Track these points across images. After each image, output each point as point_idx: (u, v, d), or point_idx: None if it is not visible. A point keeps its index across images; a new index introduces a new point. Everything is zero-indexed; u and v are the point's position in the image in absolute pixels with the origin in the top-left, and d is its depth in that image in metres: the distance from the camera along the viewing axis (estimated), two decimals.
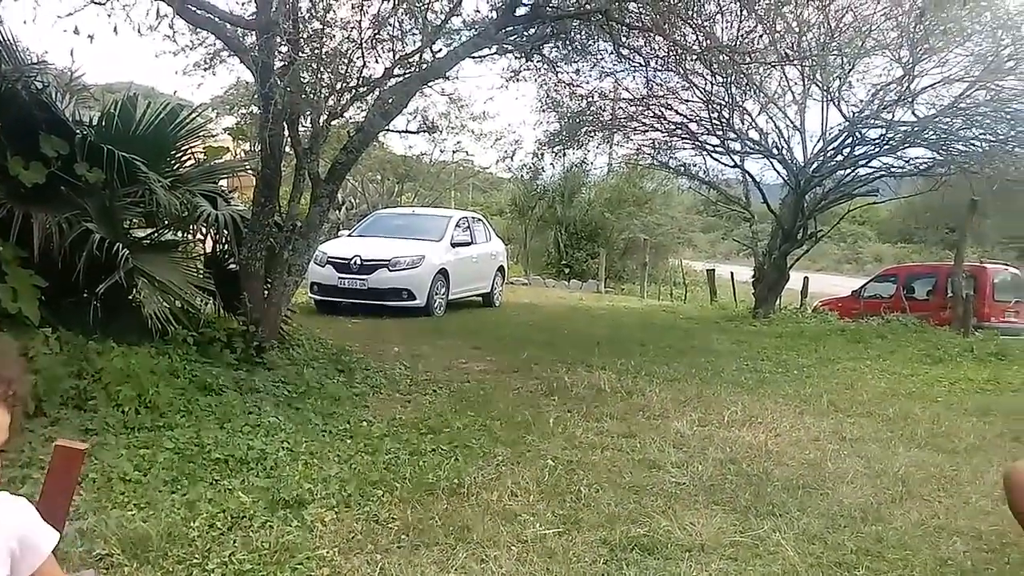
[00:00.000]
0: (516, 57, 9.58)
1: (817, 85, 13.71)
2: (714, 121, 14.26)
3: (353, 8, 7.07)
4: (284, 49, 6.27)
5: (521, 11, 7.89)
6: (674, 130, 15.16)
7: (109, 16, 6.27)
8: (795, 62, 11.63)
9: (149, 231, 6.35)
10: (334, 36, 6.91)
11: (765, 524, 3.63)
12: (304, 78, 6.45)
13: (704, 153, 15.77)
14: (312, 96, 6.57)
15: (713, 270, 21.42)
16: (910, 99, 12.92)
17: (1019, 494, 2.16)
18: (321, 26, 6.67)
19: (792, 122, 14.63)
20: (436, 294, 12.00)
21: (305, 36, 6.41)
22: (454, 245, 12.94)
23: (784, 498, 4.03)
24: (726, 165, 15.88)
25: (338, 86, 6.95)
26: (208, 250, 6.90)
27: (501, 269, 14.82)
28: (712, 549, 3.33)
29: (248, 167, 7.71)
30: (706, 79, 12.50)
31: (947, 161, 13.80)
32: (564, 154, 17.15)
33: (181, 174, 6.44)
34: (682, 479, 4.29)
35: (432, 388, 6.45)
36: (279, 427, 4.72)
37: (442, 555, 3.15)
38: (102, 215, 5.39)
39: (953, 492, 4.28)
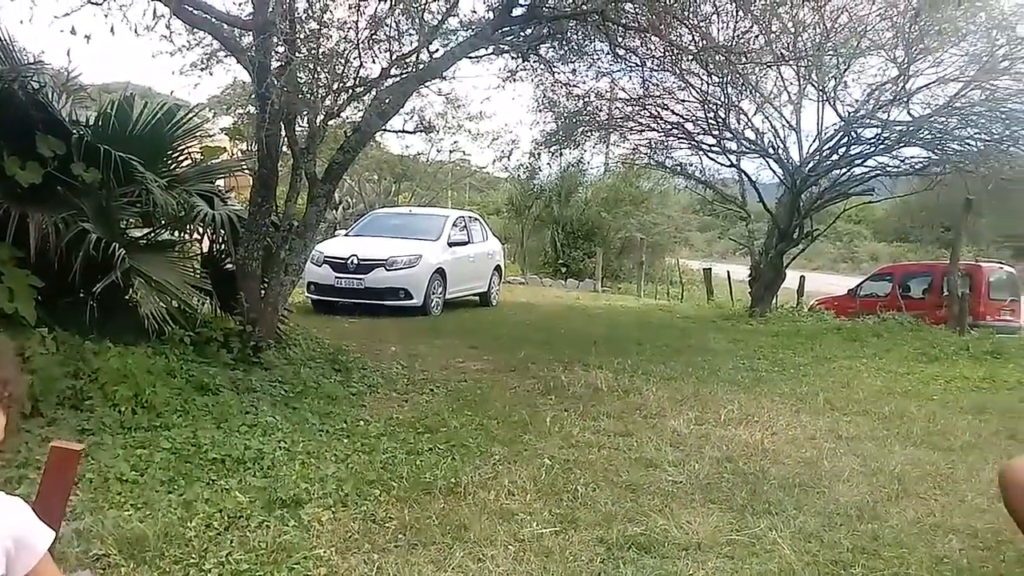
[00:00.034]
0: (512, 57, 9.59)
1: (813, 85, 13.75)
2: (710, 121, 14.29)
3: (350, 8, 7.08)
4: (281, 49, 6.27)
5: (517, 11, 7.90)
6: (670, 130, 15.18)
7: (106, 16, 6.27)
8: (791, 62, 11.67)
9: (146, 231, 6.35)
10: (331, 36, 6.92)
11: (761, 522, 3.63)
12: (301, 78, 6.45)
13: (700, 153, 15.81)
14: (309, 96, 6.57)
15: (709, 269, 21.47)
16: (905, 99, 12.95)
17: (1014, 492, 2.17)
18: (318, 26, 6.67)
19: (788, 122, 14.68)
20: (433, 293, 12.01)
21: (302, 36, 6.41)
22: (451, 244, 12.95)
23: (780, 496, 4.03)
24: (722, 164, 15.93)
25: (335, 86, 6.95)
26: (205, 250, 6.89)
27: (498, 268, 14.83)
28: (708, 547, 3.33)
29: (245, 167, 7.70)
30: (702, 79, 12.53)
31: (942, 160, 13.84)
32: (561, 154, 17.22)
33: (178, 174, 6.43)
34: (679, 478, 4.29)
35: (429, 387, 6.45)
36: (276, 427, 4.72)
37: (439, 554, 3.15)
38: (99, 215, 5.38)
39: (949, 490, 4.29)
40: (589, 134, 15.82)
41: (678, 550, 3.29)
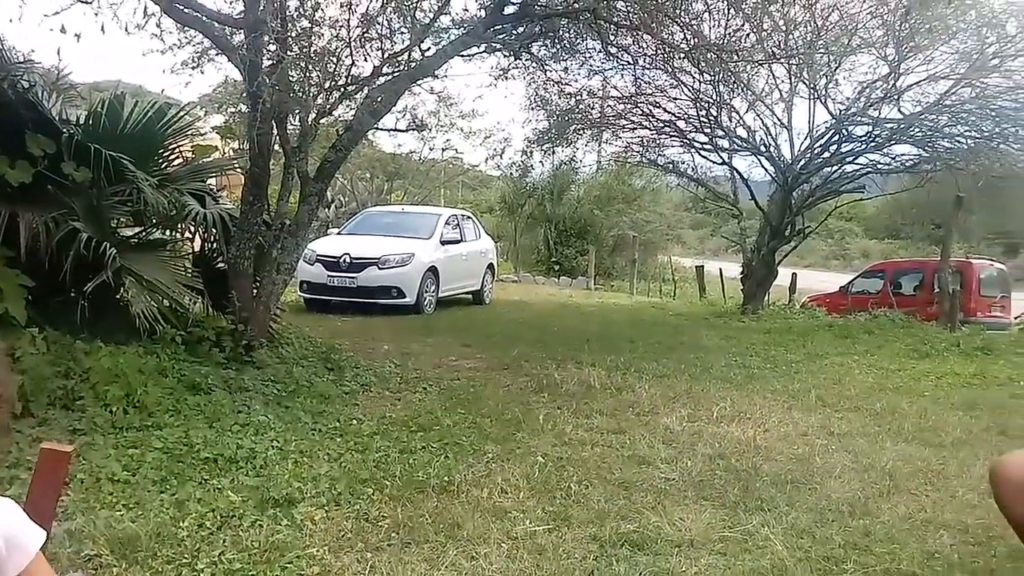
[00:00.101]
0: (505, 55, 9.57)
1: (804, 83, 13.77)
2: (702, 119, 14.30)
3: (341, 7, 7.07)
4: (272, 48, 6.26)
5: (509, 9, 7.89)
6: (662, 128, 15.19)
7: (96, 15, 6.25)
8: (782, 60, 11.68)
9: (137, 230, 6.32)
10: (322, 35, 6.91)
11: (754, 519, 3.64)
12: (292, 76, 6.44)
13: (692, 150, 15.82)
14: (300, 94, 6.56)
15: (702, 267, 21.52)
16: (896, 96, 13.00)
17: (1005, 488, 2.18)
18: (309, 24, 6.66)
19: (779, 119, 14.71)
20: (426, 292, 12.00)
21: (293, 34, 6.40)
22: (444, 243, 12.94)
23: (773, 493, 4.05)
24: (714, 162, 15.93)
25: (327, 85, 6.94)
26: (196, 249, 6.87)
27: (491, 267, 14.83)
28: (701, 544, 3.34)
29: (236, 166, 7.68)
30: (694, 77, 12.53)
31: (933, 158, 13.88)
32: (553, 152, 17.20)
33: (169, 173, 6.41)
34: (671, 475, 4.30)
35: (422, 386, 6.45)
36: (268, 426, 4.71)
37: (432, 552, 3.15)
38: (89, 214, 5.36)
39: (940, 486, 4.31)
40: (581, 132, 15.81)
41: (671, 547, 3.30)
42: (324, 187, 7.29)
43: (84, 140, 5.31)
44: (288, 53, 6.24)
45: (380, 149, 24.24)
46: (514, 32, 8.47)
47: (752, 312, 14.04)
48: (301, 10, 6.60)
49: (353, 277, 11.55)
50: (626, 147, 17.13)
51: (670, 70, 12.08)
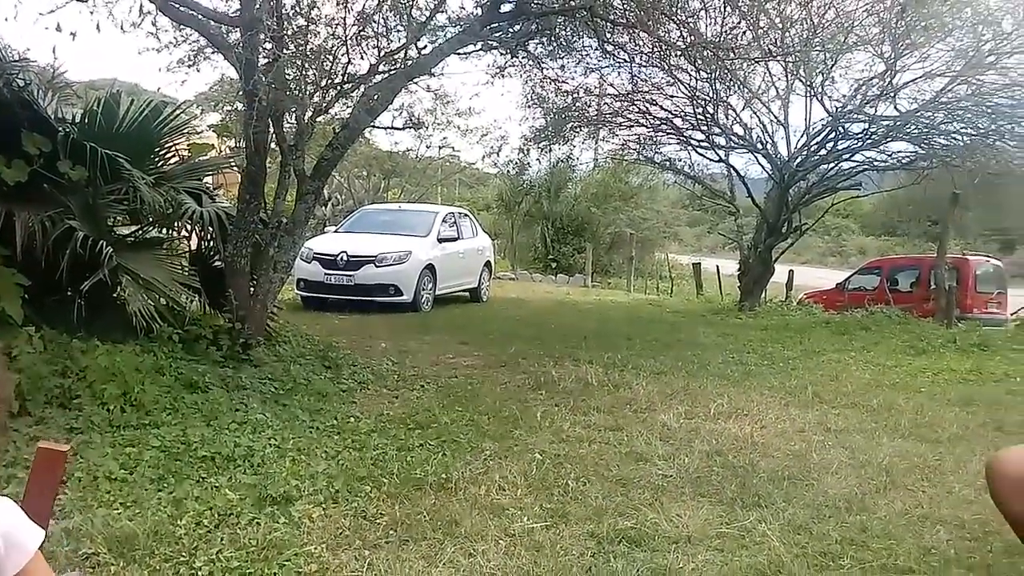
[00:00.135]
0: (501, 53, 9.57)
1: (800, 80, 13.78)
2: (699, 116, 14.32)
3: (338, 5, 7.06)
4: (268, 46, 6.24)
5: (506, 7, 7.88)
6: (659, 125, 15.20)
7: (92, 13, 6.24)
8: (778, 58, 11.69)
9: (133, 228, 6.31)
10: (319, 33, 6.89)
11: (751, 515, 3.65)
12: (289, 75, 6.42)
13: (689, 148, 15.84)
14: (297, 93, 6.55)
15: (699, 264, 21.54)
16: (892, 94, 13.00)
17: (1001, 483, 2.19)
18: (305, 23, 6.64)
19: (776, 117, 14.72)
20: (423, 290, 12.00)
21: (289, 33, 6.39)
22: (441, 240, 12.94)
23: (770, 489, 4.06)
24: (711, 160, 15.96)
25: (323, 83, 6.93)
26: (193, 247, 6.86)
27: (488, 264, 14.83)
28: (699, 541, 3.35)
29: (233, 164, 7.67)
30: (691, 75, 12.54)
31: (929, 155, 13.91)
32: (550, 149, 17.16)
33: (165, 171, 6.39)
34: (669, 471, 4.31)
35: (419, 383, 6.45)
36: (266, 424, 4.70)
37: (430, 550, 3.16)
38: (85, 213, 5.35)
39: (936, 482, 4.32)
40: (578, 130, 15.81)
41: (668, 543, 3.31)
42: (321, 185, 7.28)
43: (80, 139, 5.30)
44: (284, 51, 6.22)
45: (377, 147, 24.22)
46: (510, 30, 8.47)
47: (749, 309, 14.06)
48: (297, 8, 6.58)
49: (350, 275, 11.55)
50: (623, 145, 17.15)
51: (667, 68, 12.08)
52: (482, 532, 3.33)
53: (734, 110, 14.33)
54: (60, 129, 5.34)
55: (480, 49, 8.75)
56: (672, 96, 14.17)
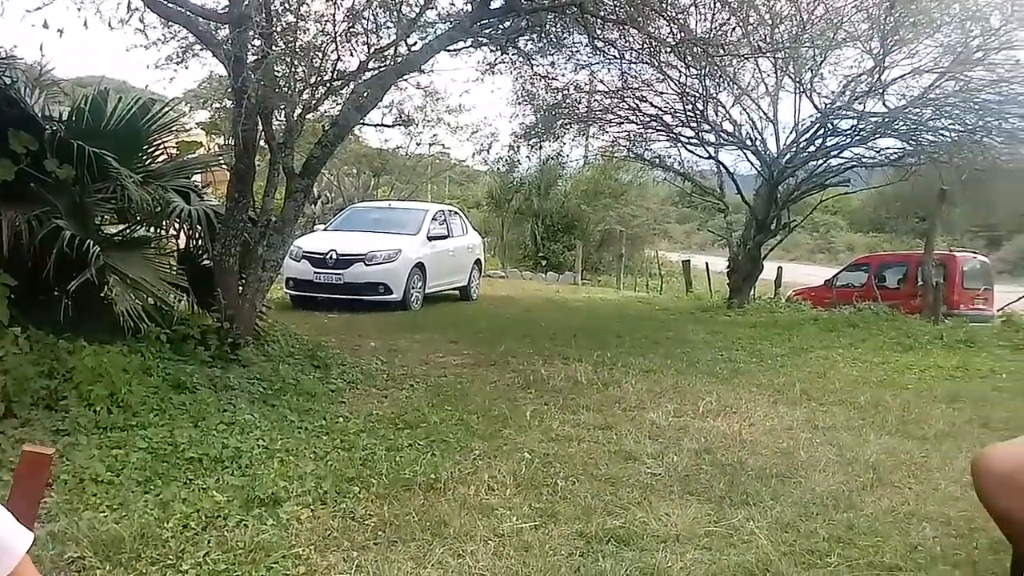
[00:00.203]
0: (491, 50, 9.57)
1: (790, 77, 13.82)
2: (688, 113, 14.33)
3: (327, 1, 7.05)
4: (257, 43, 6.22)
5: (496, 4, 7.87)
6: (649, 122, 15.21)
7: (79, 10, 6.21)
8: (768, 54, 11.72)
9: (121, 227, 6.28)
10: (308, 29, 6.88)
11: (739, 513, 3.67)
12: (278, 72, 6.41)
13: (679, 145, 15.84)
14: (286, 90, 6.53)
15: (688, 261, 21.60)
16: (881, 90, 13.06)
17: (986, 480, 2.19)
18: (295, 19, 6.63)
19: (765, 114, 14.75)
20: (413, 288, 11.98)
21: (278, 29, 6.37)
22: (431, 239, 12.92)
23: (758, 487, 4.07)
24: (700, 156, 15.97)
25: (312, 80, 6.91)
26: (181, 246, 6.83)
27: (478, 262, 14.82)
28: (687, 539, 3.36)
29: (222, 162, 7.64)
30: (680, 71, 12.56)
31: (917, 151, 13.98)
32: (540, 147, 17.18)
33: (153, 169, 6.36)
34: (657, 470, 4.32)
35: (409, 383, 6.44)
36: (254, 425, 4.69)
37: (419, 551, 3.16)
38: (72, 212, 5.31)
39: (923, 479, 4.35)
40: (568, 127, 15.81)
41: (657, 542, 3.32)
42: (310, 183, 7.26)
43: (67, 137, 5.26)
44: (273, 48, 6.20)
45: (367, 144, 24.14)
46: (500, 26, 8.46)
47: (738, 306, 14.10)
48: (286, 5, 6.57)
49: (339, 273, 11.52)
50: (613, 142, 17.15)
51: (657, 64, 12.10)
52: (471, 532, 3.33)
53: (724, 107, 14.36)
54: (47, 127, 5.30)
55: (470, 46, 8.75)
56: (662, 93, 14.20)
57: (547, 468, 4.27)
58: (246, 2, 5.81)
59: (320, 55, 6.93)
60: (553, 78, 12.85)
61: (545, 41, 10.00)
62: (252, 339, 6.34)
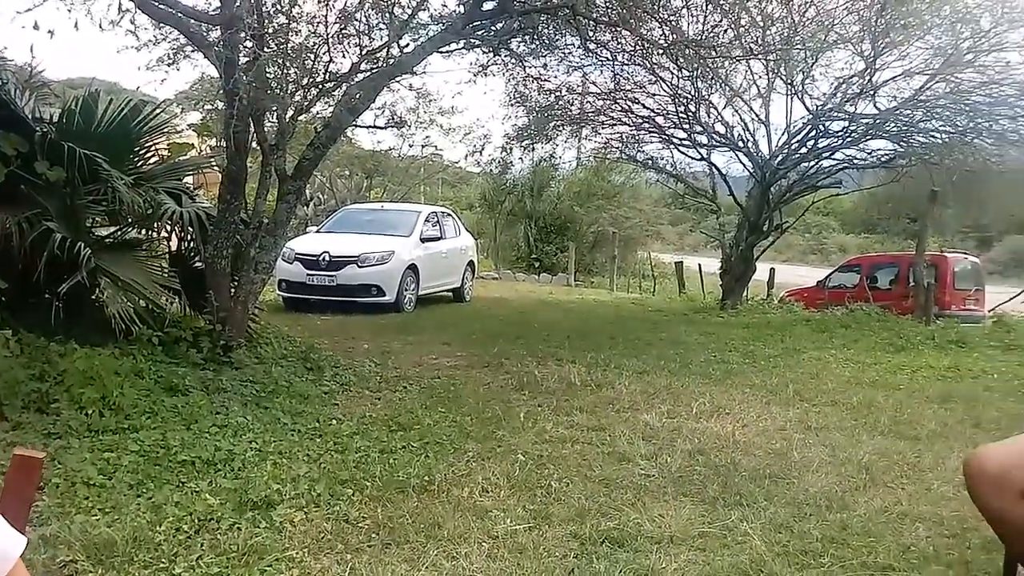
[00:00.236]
0: (484, 52, 9.58)
1: (781, 79, 13.85)
2: (681, 115, 14.35)
3: (319, 3, 7.04)
4: (249, 44, 6.21)
5: (488, 5, 7.88)
6: (641, 124, 15.23)
7: (70, 11, 6.20)
8: (759, 56, 11.75)
9: (112, 229, 6.26)
10: (300, 31, 6.88)
11: (733, 514, 3.67)
12: (269, 73, 6.40)
13: (671, 146, 15.87)
14: (278, 91, 6.52)
15: (681, 262, 21.63)
16: (872, 92, 13.10)
17: (979, 480, 2.20)
18: (286, 21, 6.62)
19: (757, 115, 14.78)
20: (406, 290, 11.96)
21: (270, 31, 6.36)
22: (423, 240, 12.90)
23: (751, 488, 4.08)
24: (693, 158, 15.99)
25: (304, 81, 6.91)
26: (173, 248, 6.81)
27: (471, 264, 14.81)
28: (681, 540, 3.36)
29: (213, 164, 7.62)
30: (673, 73, 12.58)
31: (908, 152, 14.03)
32: (533, 148, 17.16)
33: (145, 171, 6.34)
34: (651, 471, 4.32)
35: (402, 385, 6.43)
36: (247, 427, 4.67)
37: (412, 553, 3.15)
38: (63, 214, 5.29)
39: (916, 479, 4.36)
40: (561, 128, 15.81)
41: (651, 544, 3.32)
42: (302, 185, 7.25)
43: (58, 139, 5.25)
44: (265, 50, 6.19)
45: (359, 146, 24.13)
46: (493, 28, 8.47)
47: (731, 307, 14.12)
48: (278, 6, 6.56)
49: (332, 275, 11.49)
50: (605, 143, 17.16)
51: (649, 66, 12.13)
52: (465, 534, 3.33)
53: (716, 108, 14.39)
54: (37, 129, 5.28)
55: (462, 47, 8.76)
56: (654, 95, 14.22)
57: (541, 470, 4.26)
58: (237, 3, 5.80)
59: (312, 57, 6.93)
60: (545, 80, 12.90)
61: (537, 43, 10.02)
62: (245, 341, 6.32)
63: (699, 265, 21.41)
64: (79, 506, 3.33)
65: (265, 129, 6.72)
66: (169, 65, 7.47)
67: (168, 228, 6.59)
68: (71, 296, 5.02)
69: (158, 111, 6.45)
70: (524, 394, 6.22)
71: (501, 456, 4.49)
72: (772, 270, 18.51)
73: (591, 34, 9.33)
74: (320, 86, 7.11)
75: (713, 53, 9.72)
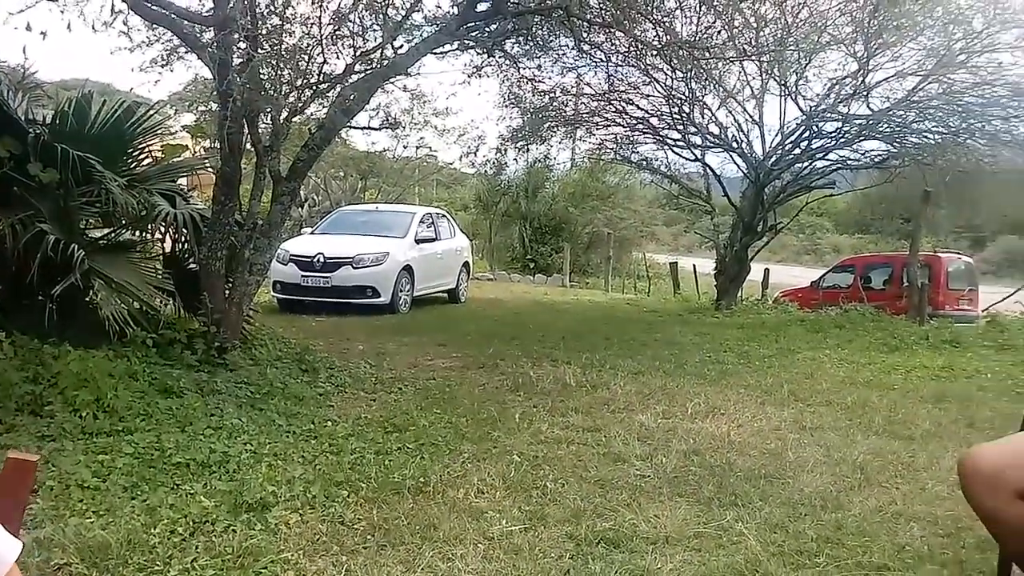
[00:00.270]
0: (478, 53, 9.57)
1: (775, 80, 13.88)
2: (675, 115, 14.38)
3: (313, 4, 7.02)
4: (242, 45, 6.19)
5: (482, 7, 7.87)
6: (636, 125, 15.25)
7: (62, 12, 6.18)
8: (753, 57, 11.77)
9: (106, 231, 6.24)
10: (294, 32, 6.85)
11: (728, 514, 3.68)
12: (263, 75, 6.38)
13: (665, 147, 15.89)
14: (272, 93, 6.50)
15: (676, 263, 21.67)
16: (865, 93, 13.15)
17: (972, 480, 2.21)
18: (280, 22, 6.60)
19: (751, 116, 14.81)
20: (401, 291, 11.95)
21: (264, 32, 6.34)
22: (418, 241, 12.90)
23: (746, 488, 4.08)
24: (687, 159, 16.02)
25: (298, 83, 6.88)
26: (167, 250, 6.79)
27: (466, 265, 14.80)
28: (676, 541, 3.36)
29: (208, 165, 7.61)
30: (667, 74, 12.59)
31: (901, 153, 14.08)
32: (527, 149, 17.19)
33: (138, 173, 6.33)
34: (646, 472, 4.33)
35: (397, 386, 6.42)
36: (242, 429, 4.66)
37: (408, 555, 3.14)
38: (57, 216, 5.28)
39: (910, 478, 4.37)
40: (555, 129, 15.83)
41: (646, 544, 3.32)
42: (297, 186, 7.24)
43: (51, 140, 5.23)
44: (259, 51, 6.17)
45: (354, 147, 24.08)
46: (487, 29, 8.46)
47: (725, 308, 14.14)
48: (271, 7, 6.54)
49: (327, 277, 11.48)
50: (600, 144, 17.19)
51: (643, 67, 12.13)
52: (460, 536, 3.32)
53: (710, 109, 14.42)
54: (30, 130, 5.27)
55: (456, 48, 8.75)
56: (648, 96, 14.23)
57: (536, 471, 4.26)
58: (231, 5, 5.78)
59: (306, 58, 6.91)
60: (540, 81, 12.90)
61: (531, 44, 10.02)
62: (239, 343, 6.31)
63: (694, 266, 21.43)
64: (73, 508, 3.32)
65: (259, 130, 6.71)
66: (163, 66, 7.46)
67: (162, 230, 6.58)
68: (65, 298, 5.00)
69: (152, 112, 6.44)
70: (519, 395, 6.22)
71: (496, 457, 4.49)
72: (766, 270, 18.55)
73: (585, 35, 9.34)
74: (314, 87, 7.10)
75: (707, 54, 9.72)
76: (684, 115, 14.22)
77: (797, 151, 14.30)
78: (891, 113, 13.38)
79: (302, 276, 11.49)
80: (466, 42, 8.59)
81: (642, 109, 14.67)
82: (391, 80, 8.14)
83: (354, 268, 11.53)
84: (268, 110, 6.68)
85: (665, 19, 9.05)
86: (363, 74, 7.30)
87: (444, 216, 15.27)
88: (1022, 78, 12.11)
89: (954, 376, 7.91)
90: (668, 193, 19.98)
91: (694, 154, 15.55)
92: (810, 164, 14.63)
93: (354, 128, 10.02)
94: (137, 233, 6.44)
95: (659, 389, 6.54)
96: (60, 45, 6.91)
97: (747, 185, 15.03)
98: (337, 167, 25.15)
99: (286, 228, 9.93)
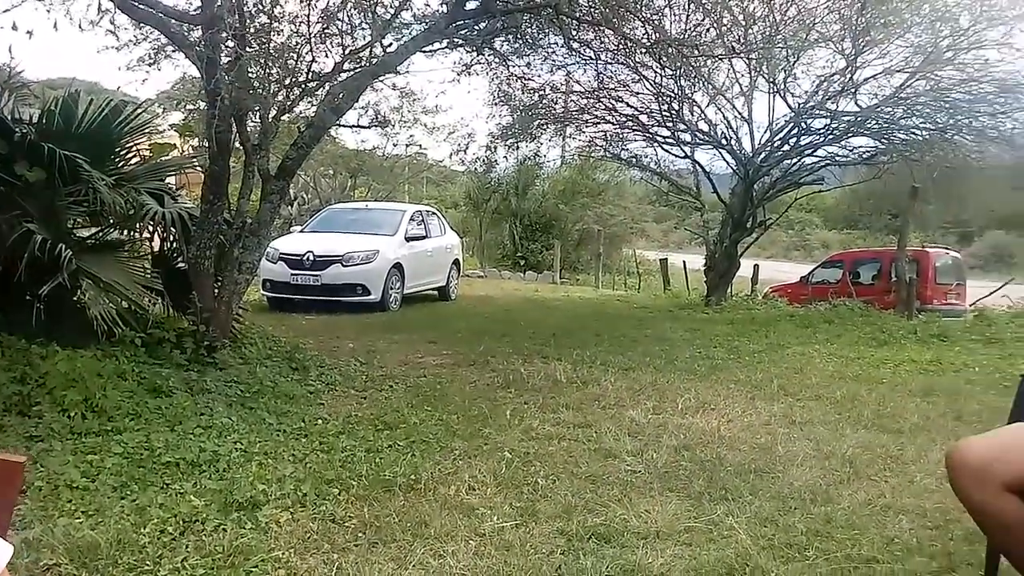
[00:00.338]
0: (467, 51, 9.57)
1: (763, 77, 13.94)
2: (664, 113, 14.42)
3: (301, 2, 6.99)
4: (230, 44, 6.16)
5: (471, 5, 7.87)
6: (625, 122, 15.28)
7: (48, 11, 6.14)
8: (742, 55, 11.80)
9: (94, 231, 6.21)
10: (282, 31, 6.82)
11: (718, 509, 3.69)
12: (251, 73, 6.35)
13: (655, 144, 15.94)
14: (260, 91, 6.47)
15: (666, 259, 21.71)
16: (853, 90, 13.22)
17: (960, 472, 2.22)
18: (268, 20, 6.57)
19: (740, 113, 14.87)
20: (391, 289, 11.95)
21: (252, 31, 6.31)
22: (408, 239, 12.89)
23: (737, 482, 4.10)
24: (677, 156, 16.09)
25: (287, 81, 6.86)
26: (155, 249, 6.76)
27: (456, 262, 14.81)
28: (667, 535, 3.37)
29: (196, 164, 7.57)
30: (656, 72, 12.62)
31: (889, 149, 14.17)
32: (517, 147, 17.18)
33: (126, 172, 6.30)
34: (637, 467, 4.34)
35: (388, 384, 6.42)
36: (232, 428, 4.65)
37: (399, 552, 3.14)
38: (44, 215, 5.24)
39: (899, 472, 4.40)
40: (545, 127, 15.84)
41: (637, 539, 3.32)
42: (286, 185, 7.21)
43: (37, 140, 5.20)
44: (247, 49, 6.15)
45: (343, 145, 24.00)
46: (476, 27, 8.45)
47: (716, 303, 14.20)
48: (259, 6, 6.51)
49: (317, 275, 11.46)
50: (590, 142, 17.21)
51: (632, 65, 12.16)
52: (452, 533, 3.32)
53: (699, 107, 14.46)
54: (17, 130, 5.23)
55: (446, 47, 8.74)
56: (638, 93, 14.27)
57: (527, 467, 4.27)
58: (218, 3, 5.76)
59: (295, 56, 6.89)
60: (529, 79, 12.89)
61: (521, 42, 10.01)
62: (229, 342, 6.29)
63: (684, 262, 21.50)
64: (62, 509, 3.30)
65: (248, 129, 6.69)
66: (150, 65, 7.43)
67: (150, 229, 6.55)
68: (52, 298, 4.97)
69: (139, 111, 6.40)
70: (510, 392, 6.22)
71: (487, 454, 4.49)
72: (756, 266, 18.62)
73: (574, 33, 9.34)
74: (303, 86, 7.07)
75: (696, 52, 9.75)
76: (673, 112, 14.25)
77: (786, 148, 14.36)
78: (879, 110, 13.45)
79: (292, 274, 11.46)
80: (455, 40, 8.59)
81: (631, 107, 14.70)
82: (380, 78, 8.13)
83: (344, 266, 11.51)
84: (256, 108, 6.65)
85: (654, 17, 9.07)
86: (352, 72, 7.29)
87: (434, 214, 15.26)
88: (1009, 74, 12.22)
89: (942, 370, 7.95)
90: (658, 190, 20.04)
91: (683, 151, 15.61)
92: (799, 160, 14.70)
93: (343, 126, 9.99)
94: (125, 232, 6.40)
95: (649, 385, 6.55)
96: (47, 44, 6.87)
97: (736, 181, 15.08)
98: (326, 165, 25.08)
99: (275, 226, 9.91)
